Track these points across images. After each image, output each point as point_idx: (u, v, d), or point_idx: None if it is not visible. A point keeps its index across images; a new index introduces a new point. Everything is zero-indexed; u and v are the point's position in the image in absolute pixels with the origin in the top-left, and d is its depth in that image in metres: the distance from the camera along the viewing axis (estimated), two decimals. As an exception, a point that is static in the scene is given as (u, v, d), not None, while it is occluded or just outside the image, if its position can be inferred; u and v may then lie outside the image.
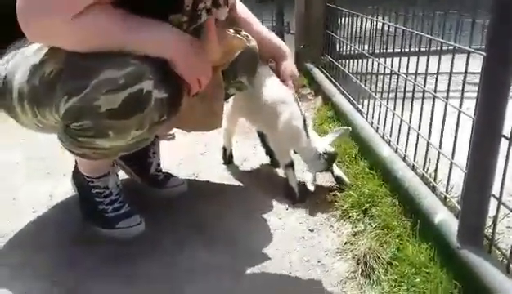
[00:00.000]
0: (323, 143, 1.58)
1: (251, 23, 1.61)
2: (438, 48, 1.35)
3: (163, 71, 1.11)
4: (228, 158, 1.93)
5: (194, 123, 1.42)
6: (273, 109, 1.60)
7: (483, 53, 0.98)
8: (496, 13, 0.93)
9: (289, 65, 1.64)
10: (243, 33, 1.31)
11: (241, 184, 1.76)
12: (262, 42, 1.56)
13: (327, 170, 1.61)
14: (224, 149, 1.93)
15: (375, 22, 2.00)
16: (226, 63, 1.34)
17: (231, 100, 1.73)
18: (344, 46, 2.58)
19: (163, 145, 1.71)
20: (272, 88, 1.62)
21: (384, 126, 1.73)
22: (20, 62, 1.11)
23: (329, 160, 1.56)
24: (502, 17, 0.92)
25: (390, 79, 1.74)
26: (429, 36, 1.40)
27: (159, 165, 1.67)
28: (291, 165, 1.65)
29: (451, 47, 1.28)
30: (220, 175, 1.83)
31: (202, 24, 1.22)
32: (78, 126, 1.08)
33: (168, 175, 1.69)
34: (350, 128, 1.71)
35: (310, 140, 1.57)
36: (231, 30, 1.28)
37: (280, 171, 1.79)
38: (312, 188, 1.54)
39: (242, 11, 1.62)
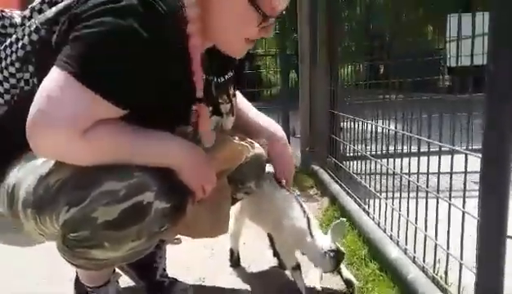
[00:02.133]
0: (326, 241, 1.58)
1: (248, 110, 1.63)
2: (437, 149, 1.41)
3: (168, 180, 1.13)
4: (235, 261, 1.91)
5: (200, 230, 1.41)
6: (276, 212, 1.62)
7: (479, 155, 1.02)
8: (488, 119, 0.99)
9: (281, 166, 1.63)
10: (248, 140, 1.36)
11: (248, 289, 1.72)
12: (259, 130, 1.60)
13: (335, 269, 1.57)
14: (231, 251, 1.92)
15: (375, 125, 2.08)
16: (231, 169, 1.37)
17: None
18: (348, 148, 2.65)
19: (169, 249, 1.70)
20: (275, 191, 1.65)
21: (392, 227, 1.73)
22: (30, 171, 1.14)
23: (335, 257, 1.52)
24: (493, 123, 0.98)
25: (393, 179, 1.77)
26: (428, 139, 1.46)
27: (164, 270, 1.65)
28: (298, 267, 1.62)
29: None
30: (227, 279, 1.80)
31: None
32: (75, 236, 1.08)
33: (174, 281, 1.65)
34: (344, 219, 1.69)
35: (315, 240, 1.56)
36: (236, 137, 1.33)
37: (289, 274, 1.76)
38: (318, 284, 1.51)
39: (240, 99, 1.64)
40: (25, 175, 1.14)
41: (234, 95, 1.40)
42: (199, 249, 2.03)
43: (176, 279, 1.67)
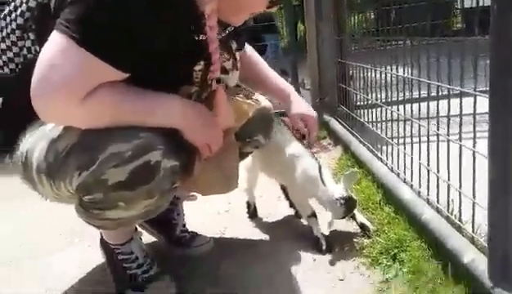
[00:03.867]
0: (338, 189, 1.60)
1: (259, 66, 1.66)
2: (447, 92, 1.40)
3: (175, 139, 1.14)
4: (253, 212, 1.95)
5: (210, 187, 1.43)
6: (288, 162, 1.65)
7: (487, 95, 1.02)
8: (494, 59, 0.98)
9: (297, 108, 1.64)
10: (254, 97, 1.36)
11: (267, 238, 1.78)
12: (268, 86, 1.62)
13: (348, 215, 1.61)
14: (248, 204, 1.96)
15: (385, 72, 2.06)
16: (237, 126, 1.38)
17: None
18: (358, 97, 2.64)
19: (186, 205, 1.75)
20: (286, 142, 1.67)
21: (405, 171, 1.74)
22: (40, 137, 1.16)
23: (346, 204, 1.55)
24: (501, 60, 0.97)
25: (404, 125, 1.78)
26: (436, 83, 1.45)
27: (184, 225, 1.70)
28: (313, 215, 1.66)
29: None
30: (246, 230, 1.85)
31: (211, 91, 1.27)
32: (90, 199, 1.12)
33: (194, 235, 1.71)
34: (356, 169, 1.71)
35: (327, 188, 1.59)
36: (241, 95, 1.33)
37: (305, 222, 1.80)
38: (327, 231, 1.57)
39: (251, 54, 1.66)
40: (36, 141, 1.16)
41: (237, 50, 1.40)
42: (215, 204, 2.08)
43: (196, 233, 1.73)
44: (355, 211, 1.65)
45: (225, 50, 1.33)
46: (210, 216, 2.01)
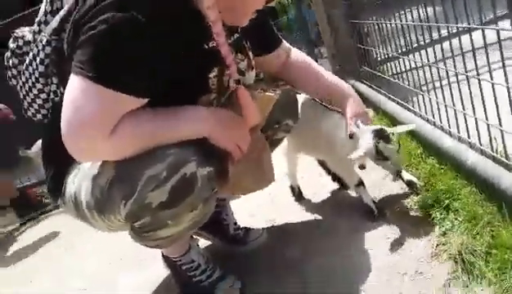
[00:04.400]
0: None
1: (308, 70, 1.62)
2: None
3: (205, 147, 1.17)
4: (298, 195, 1.96)
5: (248, 186, 1.44)
6: (326, 134, 1.63)
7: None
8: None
9: (352, 108, 1.55)
10: (270, 89, 1.35)
11: (319, 217, 1.78)
12: (322, 91, 1.60)
13: (382, 155, 1.45)
14: (292, 188, 1.97)
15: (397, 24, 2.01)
16: (263, 120, 1.38)
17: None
18: (377, 53, 2.59)
19: (233, 203, 1.78)
20: (319, 116, 1.65)
21: (441, 119, 1.70)
22: (82, 178, 1.22)
23: (375, 134, 1.44)
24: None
25: (430, 70, 1.73)
26: (444, 24, 1.41)
27: (235, 223, 1.74)
28: (361, 183, 1.64)
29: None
30: (295, 214, 1.86)
31: (232, 92, 1.28)
32: (139, 224, 1.18)
33: (248, 230, 1.74)
34: (414, 124, 1.62)
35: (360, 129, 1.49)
36: (259, 89, 1.33)
37: (353, 193, 1.80)
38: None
39: (298, 57, 1.64)
40: (81, 181, 1.23)
41: (250, 49, 1.40)
42: (259, 194, 2.08)
43: (248, 228, 1.76)
44: (402, 171, 1.62)
45: (239, 50, 1.35)
46: (257, 207, 2.03)
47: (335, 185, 1.92)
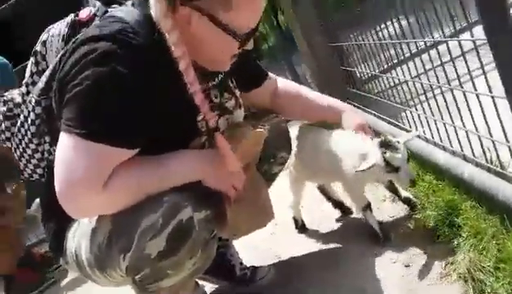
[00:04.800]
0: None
1: (298, 97, 1.63)
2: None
3: (200, 191, 1.17)
4: (301, 227, 1.93)
5: (249, 225, 1.43)
6: (336, 156, 1.57)
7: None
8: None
9: (352, 120, 1.56)
10: (260, 124, 1.35)
11: (324, 247, 1.76)
12: (316, 113, 1.61)
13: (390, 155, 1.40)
14: (295, 219, 1.94)
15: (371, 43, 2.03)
16: (256, 157, 1.38)
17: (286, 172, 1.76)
18: (360, 73, 2.60)
19: (236, 242, 1.75)
20: (325, 139, 1.62)
21: (432, 133, 1.70)
22: (81, 235, 1.21)
23: (381, 144, 1.41)
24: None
25: (414, 85, 1.74)
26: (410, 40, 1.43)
27: (241, 263, 1.71)
28: (368, 206, 1.60)
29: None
30: (299, 246, 1.84)
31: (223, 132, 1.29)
32: (140, 277, 1.16)
33: (254, 268, 1.72)
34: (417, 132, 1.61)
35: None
36: (249, 126, 1.33)
37: (355, 218, 1.79)
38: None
39: (286, 86, 1.65)
40: (80, 239, 1.22)
41: (235, 87, 1.41)
42: (260, 230, 2.06)
43: (255, 267, 1.73)
44: (398, 189, 1.62)
45: (225, 90, 1.35)
46: (260, 243, 1.99)
47: (336, 212, 1.90)
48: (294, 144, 1.69)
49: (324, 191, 1.91)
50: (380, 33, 2.00)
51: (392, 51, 1.97)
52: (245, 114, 1.58)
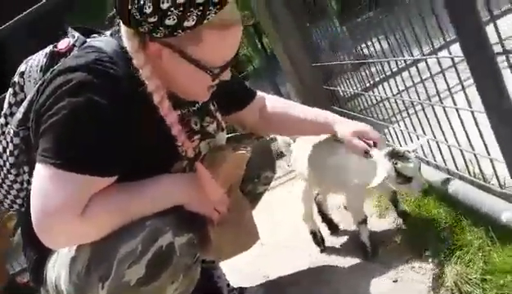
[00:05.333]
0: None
1: (288, 114, 1.60)
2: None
3: (182, 214, 1.15)
4: (321, 240, 1.81)
5: (234, 248, 1.38)
6: (341, 167, 1.56)
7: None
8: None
9: (346, 129, 1.51)
10: (241, 146, 1.35)
11: (313, 264, 1.74)
12: (307, 127, 1.59)
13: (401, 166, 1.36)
14: (313, 233, 1.82)
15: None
16: (239, 179, 1.37)
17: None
18: (343, 92, 2.64)
19: (223, 264, 1.74)
20: (330, 150, 1.59)
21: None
22: (61, 263, 1.18)
23: (390, 155, 1.38)
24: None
25: (396, 102, 1.77)
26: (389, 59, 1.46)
27: (228, 285, 1.69)
28: (365, 221, 1.59)
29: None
30: (288, 265, 1.82)
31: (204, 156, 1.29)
32: None
33: (242, 290, 1.70)
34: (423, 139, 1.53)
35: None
36: (230, 148, 1.32)
37: (342, 235, 1.79)
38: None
39: (275, 104, 1.62)
40: (59, 268, 1.19)
41: (216, 111, 1.41)
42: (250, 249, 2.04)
43: (243, 287, 1.71)
44: (397, 199, 1.63)
45: (206, 114, 1.35)
46: (247, 264, 1.97)
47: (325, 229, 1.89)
48: (308, 155, 1.67)
49: (319, 203, 1.89)
50: (361, 52, 2.04)
51: (373, 69, 2.01)
52: (231, 136, 1.58)
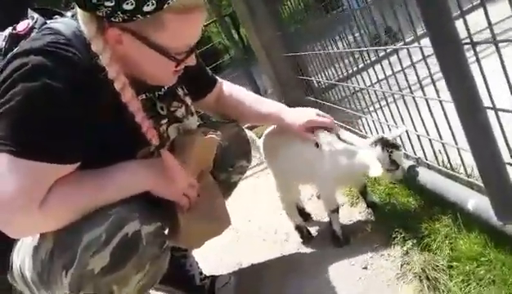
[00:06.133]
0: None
1: (244, 104, 1.61)
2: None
3: (148, 203, 1.13)
4: (307, 235, 1.76)
5: (204, 234, 1.37)
6: (315, 156, 1.55)
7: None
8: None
9: (295, 121, 1.55)
10: (211, 131, 1.34)
11: (286, 252, 1.76)
12: (262, 119, 1.61)
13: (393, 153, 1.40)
14: (298, 227, 1.78)
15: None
16: (209, 164, 1.36)
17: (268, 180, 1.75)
18: (318, 82, 2.66)
19: (196, 252, 1.73)
20: (294, 141, 1.59)
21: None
22: (25, 251, 1.15)
23: (383, 144, 1.40)
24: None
25: (368, 93, 1.79)
26: (373, 47, 1.47)
27: (201, 273, 1.69)
28: (337, 210, 1.61)
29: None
30: (261, 252, 1.83)
31: (173, 140, 1.27)
32: (83, 293, 1.09)
33: (214, 278, 1.69)
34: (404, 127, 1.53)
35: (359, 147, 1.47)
36: (200, 132, 1.31)
37: (314, 223, 1.81)
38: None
39: (231, 91, 1.62)
40: (23, 256, 1.16)
41: (186, 95, 1.39)
42: (221, 238, 2.04)
43: (215, 276, 1.71)
44: (368, 193, 1.65)
45: (174, 99, 1.33)
46: (221, 250, 1.99)
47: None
48: (278, 147, 1.67)
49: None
50: (335, 45, 2.05)
51: (347, 61, 2.03)
52: (204, 122, 1.57)
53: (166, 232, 1.27)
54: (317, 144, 1.50)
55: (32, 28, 1.16)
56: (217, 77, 1.62)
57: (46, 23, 1.15)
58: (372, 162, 1.37)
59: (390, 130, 1.65)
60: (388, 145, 1.40)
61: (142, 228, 1.09)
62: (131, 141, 1.19)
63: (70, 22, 1.12)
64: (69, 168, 1.05)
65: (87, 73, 1.05)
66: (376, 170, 1.35)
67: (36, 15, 1.17)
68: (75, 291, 1.10)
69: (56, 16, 1.19)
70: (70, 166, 1.05)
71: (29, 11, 1.19)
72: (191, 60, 1.17)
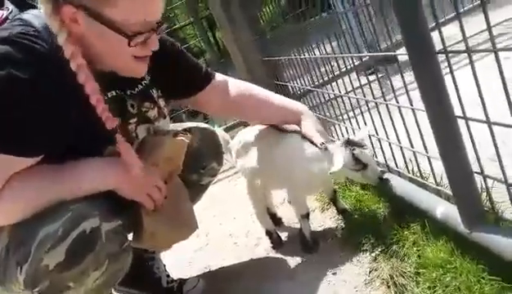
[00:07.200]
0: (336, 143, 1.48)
1: (253, 98, 1.57)
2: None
3: (111, 201, 1.12)
4: (277, 240, 1.74)
5: (170, 237, 1.33)
6: (285, 161, 1.55)
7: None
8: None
9: (308, 124, 1.53)
10: (181, 132, 1.32)
11: (255, 256, 1.75)
12: (274, 114, 1.57)
13: (359, 161, 1.39)
14: (268, 232, 1.76)
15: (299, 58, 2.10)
16: (178, 166, 1.33)
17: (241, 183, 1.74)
18: (293, 88, 2.67)
19: (165, 255, 1.71)
20: (275, 143, 1.58)
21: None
22: None
23: (346, 143, 1.41)
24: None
25: (343, 100, 1.81)
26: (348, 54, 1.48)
27: (168, 276, 1.66)
28: (307, 215, 1.60)
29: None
30: (230, 257, 1.83)
31: (142, 140, 1.25)
32: (38, 290, 1.06)
33: (182, 281, 1.67)
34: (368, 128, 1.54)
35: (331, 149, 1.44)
36: (170, 134, 1.29)
37: (285, 228, 1.81)
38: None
39: (240, 87, 1.57)
40: None
41: (159, 98, 1.37)
42: (191, 243, 2.02)
43: (183, 279, 1.69)
44: (338, 200, 1.66)
45: (146, 100, 1.31)
46: (190, 253, 1.96)
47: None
48: (251, 150, 1.64)
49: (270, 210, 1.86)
50: (312, 52, 2.06)
51: (323, 69, 2.04)
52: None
53: (130, 233, 1.26)
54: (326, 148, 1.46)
55: (6, 19, 1.14)
56: (215, 75, 1.54)
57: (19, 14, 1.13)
58: (335, 159, 1.38)
59: (354, 133, 1.66)
60: (350, 144, 1.40)
61: (102, 225, 1.07)
62: (97, 137, 1.16)
63: (41, 14, 1.10)
64: (29, 161, 1.03)
65: (54, 64, 1.03)
66: (337, 164, 1.36)
67: (11, 7, 1.16)
68: (30, 287, 1.06)
69: (31, 9, 1.17)
70: (30, 159, 1.03)
71: (6, 1, 1.17)
72: (153, 44, 1.14)
